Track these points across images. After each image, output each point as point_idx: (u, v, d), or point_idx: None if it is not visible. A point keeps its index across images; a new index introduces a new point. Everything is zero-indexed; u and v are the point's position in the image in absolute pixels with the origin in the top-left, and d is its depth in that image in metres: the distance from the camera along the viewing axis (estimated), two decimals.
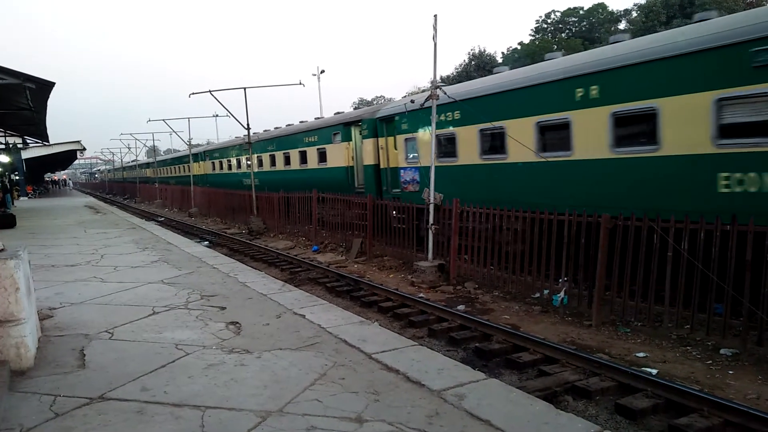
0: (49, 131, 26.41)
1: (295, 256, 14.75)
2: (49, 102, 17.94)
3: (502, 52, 58.30)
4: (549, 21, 63.08)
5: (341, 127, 18.50)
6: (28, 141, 29.48)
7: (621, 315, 8.03)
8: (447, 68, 66.12)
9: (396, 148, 15.10)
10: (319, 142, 20.03)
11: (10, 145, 29.15)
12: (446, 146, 12.87)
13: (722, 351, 6.73)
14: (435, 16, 10.82)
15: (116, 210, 30.31)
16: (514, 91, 10.98)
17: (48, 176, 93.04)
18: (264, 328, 6.15)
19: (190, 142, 34.51)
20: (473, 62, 53.24)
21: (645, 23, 44.77)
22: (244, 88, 22.33)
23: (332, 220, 16.66)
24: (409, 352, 5.27)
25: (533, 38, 61.33)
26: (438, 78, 11.80)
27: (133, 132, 65.93)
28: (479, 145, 11.91)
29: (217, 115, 40.97)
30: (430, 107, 11.39)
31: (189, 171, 34.45)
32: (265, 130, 26.96)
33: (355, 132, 17.90)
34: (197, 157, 36.50)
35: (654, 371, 6.23)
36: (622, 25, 57.84)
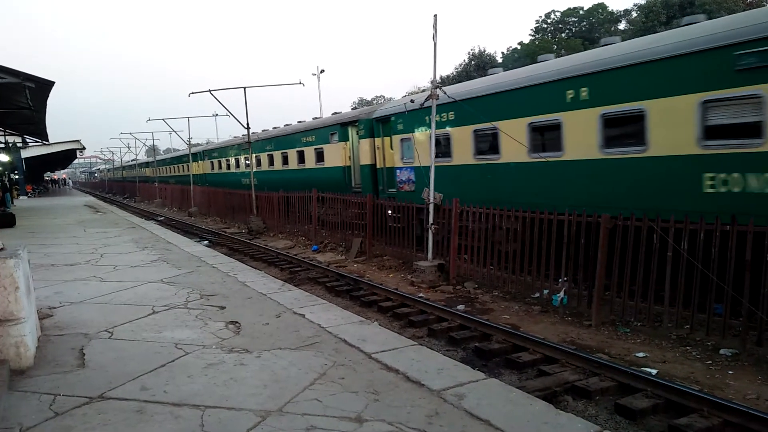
0: (48, 130, 26.43)
1: (295, 255, 14.75)
2: (49, 101, 17.94)
3: (502, 52, 58.38)
4: (549, 21, 63.07)
5: (338, 128, 18.58)
6: (28, 140, 29.47)
7: (621, 315, 8.03)
8: (447, 68, 66.17)
9: (392, 149, 15.23)
10: (316, 142, 20.13)
11: (10, 144, 29.11)
12: (441, 146, 12.95)
13: (722, 351, 6.73)
14: (435, 16, 10.84)
15: (116, 209, 30.29)
16: (507, 92, 11.15)
17: (48, 175, 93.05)
18: (264, 328, 6.15)
19: (189, 141, 34.51)
20: (473, 62, 53.23)
21: (645, 23, 44.74)
22: (244, 88, 22.37)
23: (332, 220, 16.69)
24: (409, 352, 5.27)
25: (533, 38, 61.32)
26: (438, 78, 11.81)
27: (133, 131, 66.07)
28: (473, 145, 12.07)
29: (216, 115, 40.95)
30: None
31: (188, 170, 34.44)
32: (263, 130, 26.97)
33: (352, 132, 18.01)
34: (196, 156, 36.50)
35: (654, 371, 6.23)
36: (622, 26, 57.82)
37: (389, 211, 13.82)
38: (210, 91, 22.55)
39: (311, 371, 4.77)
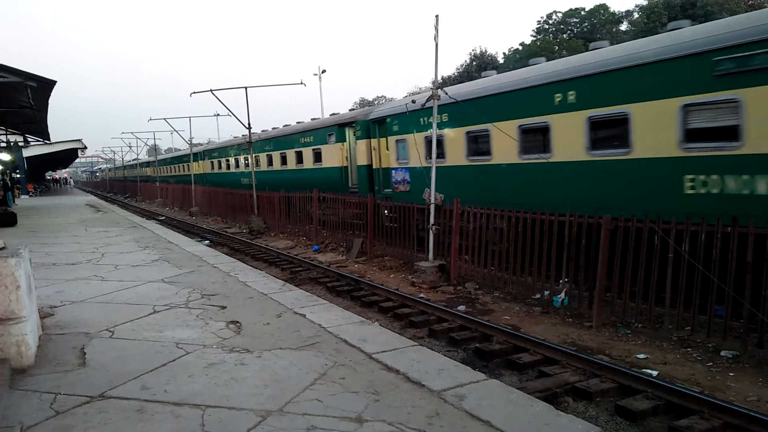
0: (50, 130, 26.51)
1: (296, 255, 14.76)
2: (51, 100, 18.00)
3: (504, 53, 58.34)
4: (551, 22, 63.09)
5: (336, 128, 18.68)
6: (30, 139, 29.55)
7: (621, 316, 8.03)
8: (448, 68, 66.21)
9: (387, 149, 15.35)
10: (314, 143, 20.27)
11: (12, 143, 29.17)
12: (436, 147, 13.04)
13: (723, 353, 6.72)
14: (437, 16, 10.84)
15: (117, 209, 30.31)
16: (499, 95, 11.34)
17: (49, 174, 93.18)
18: (264, 328, 6.15)
19: (191, 141, 34.54)
20: (474, 62, 53.26)
21: (647, 24, 44.69)
22: (245, 88, 22.42)
23: (333, 220, 16.73)
24: (410, 353, 5.27)
25: (535, 39, 61.31)
26: (439, 78, 11.81)
27: (134, 131, 66.04)
28: (466, 146, 12.21)
29: (218, 115, 41.17)
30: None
31: (189, 170, 34.47)
32: (263, 131, 27.02)
33: (349, 133, 18.15)
34: (196, 156, 36.54)
35: (654, 373, 6.23)
36: (623, 27, 57.81)
37: (385, 211, 13.90)
38: (211, 90, 22.65)
39: (312, 371, 4.77)
